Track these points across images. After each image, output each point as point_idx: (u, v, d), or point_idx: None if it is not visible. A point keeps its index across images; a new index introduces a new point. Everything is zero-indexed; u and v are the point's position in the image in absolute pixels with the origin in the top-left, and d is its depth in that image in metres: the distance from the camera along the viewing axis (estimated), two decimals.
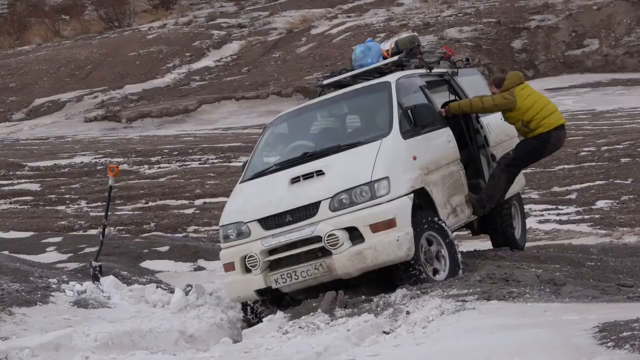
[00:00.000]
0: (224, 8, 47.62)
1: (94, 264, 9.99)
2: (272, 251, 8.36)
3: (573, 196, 15.13)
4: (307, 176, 8.45)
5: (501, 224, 10.56)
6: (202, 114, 32.28)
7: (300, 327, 7.49)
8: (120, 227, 15.04)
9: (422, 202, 8.58)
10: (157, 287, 9.68)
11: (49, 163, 22.64)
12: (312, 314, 7.83)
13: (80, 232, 14.84)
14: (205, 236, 14.11)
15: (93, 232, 14.56)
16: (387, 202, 8.13)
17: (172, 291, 9.49)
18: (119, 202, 17.23)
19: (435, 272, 8.44)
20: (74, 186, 19.37)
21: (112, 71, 37.94)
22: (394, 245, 7.99)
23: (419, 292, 7.75)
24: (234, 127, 29.68)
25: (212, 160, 21.77)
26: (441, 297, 7.33)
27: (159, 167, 21.32)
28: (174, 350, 7.75)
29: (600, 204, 14.44)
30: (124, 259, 11.48)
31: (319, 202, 8.23)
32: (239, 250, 8.50)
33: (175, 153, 23.13)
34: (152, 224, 15.14)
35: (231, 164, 20.75)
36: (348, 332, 6.90)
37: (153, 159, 22.41)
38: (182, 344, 7.99)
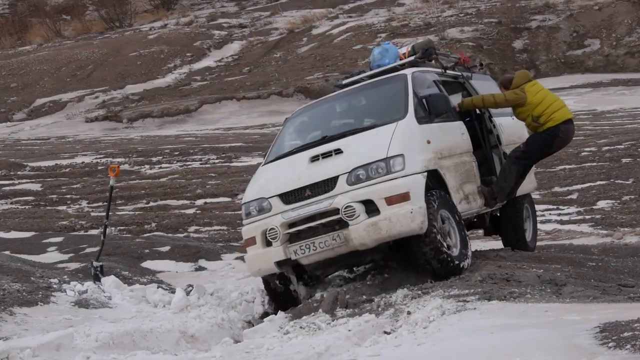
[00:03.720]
0: (225, 8, 47.70)
1: (95, 264, 10.00)
2: (292, 224, 8.68)
3: (574, 196, 15.13)
4: (326, 155, 8.81)
5: (513, 224, 10.67)
6: (203, 114, 32.31)
7: (301, 327, 7.49)
8: (121, 227, 15.02)
9: (436, 184, 8.84)
10: (158, 287, 9.69)
11: (50, 163, 22.63)
12: (313, 314, 7.85)
13: (81, 232, 14.82)
14: (206, 236, 14.10)
15: (94, 232, 14.55)
16: (402, 177, 8.42)
17: (173, 291, 9.51)
18: (120, 202, 17.23)
19: (448, 248, 8.61)
20: (75, 186, 19.35)
21: (113, 71, 37.98)
22: (407, 217, 8.25)
23: (420, 292, 7.79)
24: (235, 127, 29.70)
25: (213, 161, 21.75)
26: (442, 297, 7.34)
27: (160, 167, 21.31)
28: (175, 350, 7.76)
29: (601, 204, 14.44)
30: (125, 259, 11.49)
31: (337, 176, 8.55)
32: (260, 224, 8.84)
33: (176, 153, 23.13)
34: (153, 224, 15.13)
35: (232, 164, 20.73)
36: (349, 332, 6.90)
37: (154, 159, 22.41)
38: (183, 344, 8.00)
